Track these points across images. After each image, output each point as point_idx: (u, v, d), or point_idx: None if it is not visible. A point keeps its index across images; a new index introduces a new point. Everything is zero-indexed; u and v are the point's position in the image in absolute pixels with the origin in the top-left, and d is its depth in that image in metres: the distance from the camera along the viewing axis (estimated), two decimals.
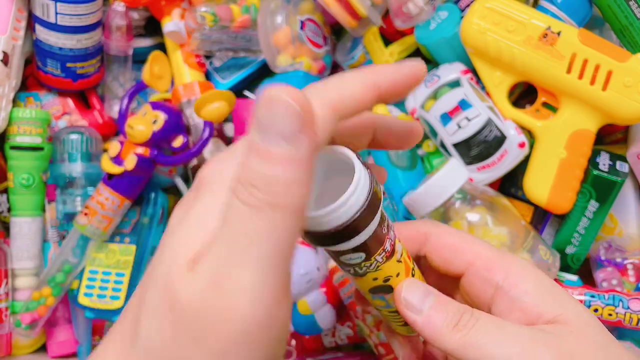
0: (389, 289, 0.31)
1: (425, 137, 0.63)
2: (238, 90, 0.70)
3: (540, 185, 0.55)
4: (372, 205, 0.26)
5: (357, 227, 0.26)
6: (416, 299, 0.30)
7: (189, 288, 0.22)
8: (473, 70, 0.58)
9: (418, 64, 0.28)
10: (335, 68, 0.71)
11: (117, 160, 0.58)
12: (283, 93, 0.21)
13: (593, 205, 0.56)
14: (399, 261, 0.31)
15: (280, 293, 0.23)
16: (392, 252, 0.30)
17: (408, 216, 0.59)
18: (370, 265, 0.29)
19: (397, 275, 0.31)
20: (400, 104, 0.65)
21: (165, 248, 0.24)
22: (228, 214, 0.22)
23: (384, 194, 0.63)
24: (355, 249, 0.27)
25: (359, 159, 0.26)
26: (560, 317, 0.29)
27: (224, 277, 0.22)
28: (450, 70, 0.58)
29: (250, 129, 0.22)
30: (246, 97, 0.72)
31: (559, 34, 0.52)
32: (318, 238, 0.26)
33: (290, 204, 0.22)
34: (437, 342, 0.29)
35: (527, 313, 0.29)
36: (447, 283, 0.35)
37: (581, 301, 0.54)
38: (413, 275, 0.32)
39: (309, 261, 0.62)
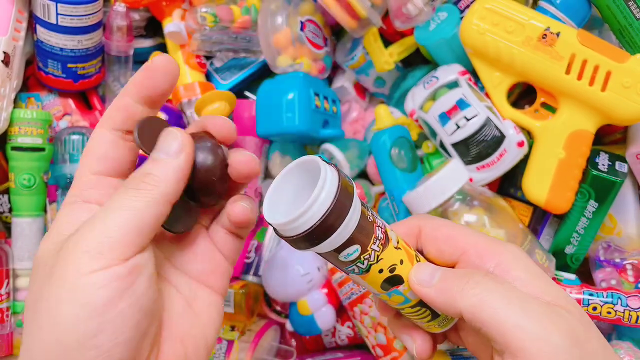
0: (400, 280, 0.32)
1: (425, 138, 0.63)
2: (238, 91, 0.70)
3: (539, 186, 0.56)
4: (344, 195, 0.28)
5: (337, 218, 0.28)
6: (426, 275, 0.32)
7: None
8: (471, 72, 0.59)
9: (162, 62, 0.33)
10: (335, 69, 0.71)
11: None
12: (173, 129, 0.32)
13: (592, 205, 0.56)
14: (397, 248, 0.32)
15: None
16: (386, 239, 0.31)
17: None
18: (370, 256, 0.30)
19: (401, 262, 0.32)
20: (400, 106, 0.65)
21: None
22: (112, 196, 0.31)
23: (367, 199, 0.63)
24: (348, 242, 0.29)
25: (324, 160, 0.29)
26: (554, 302, 0.29)
27: None
28: (449, 72, 0.58)
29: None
30: (247, 97, 0.72)
31: (558, 34, 0.53)
32: (309, 239, 0.28)
33: (152, 191, 0.30)
34: (452, 306, 0.30)
35: None
36: None
37: (579, 300, 0.54)
38: (418, 261, 0.33)
39: (310, 262, 0.62)
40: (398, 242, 0.32)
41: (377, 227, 0.30)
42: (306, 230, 0.28)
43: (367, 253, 0.30)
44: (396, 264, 0.32)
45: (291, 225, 0.28)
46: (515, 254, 0.32)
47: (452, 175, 0.52)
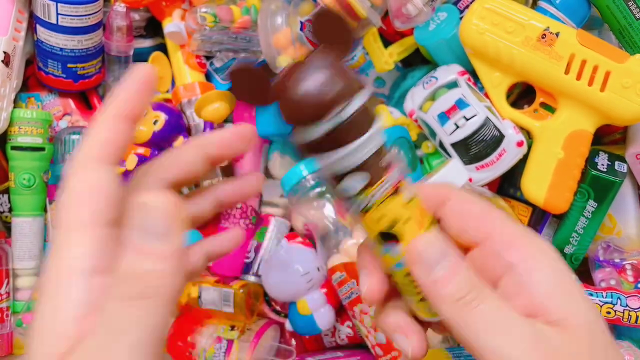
0: (397, 238, 0.30)
1: (424, 138, 0.63)
2: None
3: (537, 186, 0.56)
4: (363, 118, 0.27)
5: (349, 133, 0.27)
6: (432, 257, 0.29)
7: None
8: (471, 72, 0.59)
9: (243, 128, 0.31)
10: None
11: None
12: (152, 198, 0.25)
13: (592, 205, 0.56)
14: (406, 205, 0.29)
15: None
16: (396, 191, 0.29)
17: None
18: (372, 196, 0.28)
19: (407, 221, 0.29)
20: (399, 106, 0.65)
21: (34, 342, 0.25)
22: (104, 307, 0.24)
23: None
24: (356, 169, 0.28)
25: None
26: (565, 321, 0.27)
27: None
28: (448, 72, 0.58)
29: (128, 231, 0.25)
30: None
31: (557, 34, 0.53)
32: (316, 146, 0.27)
33: (162, 293, 0.24)
34: (437, 308, 0.28)
35: (533, 304, 0.28)
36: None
37: None
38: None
39: (310, 261, 0.62)
40: (410, 202, 0.29)
41: (387, 174, 0.28)
42: (320, 136, 0.27)
43: (372, 189, 0.28)
44: (399, 220, 0.29)
45: (309, 131, 0.27)
46: (545, 252, 0.29)
47: (451, 175, 0.52)
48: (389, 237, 0.30)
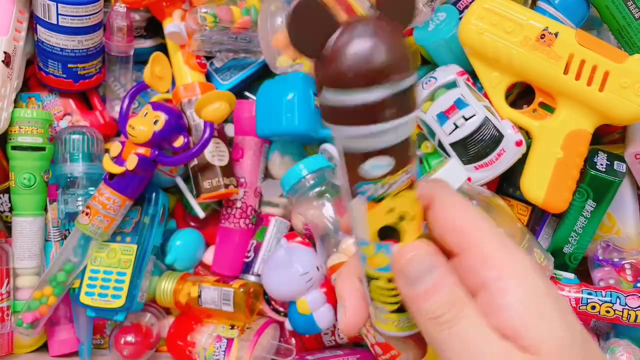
0: (397, 237, 0.28)
1: (424, 138, 0.63)
2: (238, 91, 0.71)
3: (536, 185, 0.56)
4: (413, 97, 0.25)
5: (401, 104, 0.25)
6: (416, 269, 0.28)
7: None
8: (470, 72, 0.59)
9: None
10: None
11: (119, 160, 0.59)
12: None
13: (590, 204, 0.56)
14: (416, 202, 0.28)
15: None
16: (412, 185, 0.27)
17: None
18: (392, 184, 0.26)
19: (412, 218, 0.28)
20: None
21: None
22: None
23: None
24: (385, 151, 0.25)
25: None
26: (536, 347, 0.27)
27: None
28: (447, 72, 0.58)
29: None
30: (247, 97, 0.72)
31: (556, 34, 0.53)
32: (359, 112, 0.24)
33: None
34: (416, 319, 0.28)
35: (504, 326, 0.27)
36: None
37: (578, 299, 0.54)
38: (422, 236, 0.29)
39: (309, 261, 0.62)
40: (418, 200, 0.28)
41: (410, 165, 0.27)
42: (370, 102, 0.24)
43: (393, 177, 0.26)
44: (407, 214, 0.27)
45: (352, 95, 0.24)
46: (523, 271, 0.28)
47: (450, 175, 0.52)
48: (385, 235, 0.28)
